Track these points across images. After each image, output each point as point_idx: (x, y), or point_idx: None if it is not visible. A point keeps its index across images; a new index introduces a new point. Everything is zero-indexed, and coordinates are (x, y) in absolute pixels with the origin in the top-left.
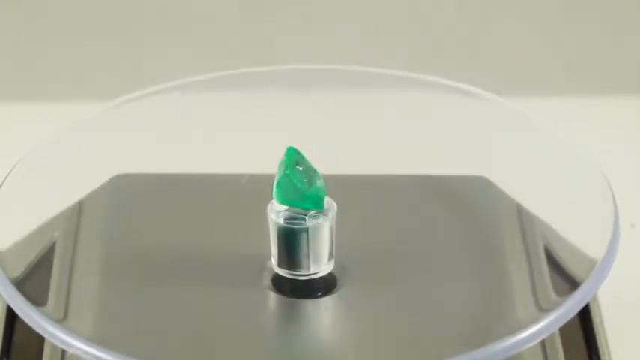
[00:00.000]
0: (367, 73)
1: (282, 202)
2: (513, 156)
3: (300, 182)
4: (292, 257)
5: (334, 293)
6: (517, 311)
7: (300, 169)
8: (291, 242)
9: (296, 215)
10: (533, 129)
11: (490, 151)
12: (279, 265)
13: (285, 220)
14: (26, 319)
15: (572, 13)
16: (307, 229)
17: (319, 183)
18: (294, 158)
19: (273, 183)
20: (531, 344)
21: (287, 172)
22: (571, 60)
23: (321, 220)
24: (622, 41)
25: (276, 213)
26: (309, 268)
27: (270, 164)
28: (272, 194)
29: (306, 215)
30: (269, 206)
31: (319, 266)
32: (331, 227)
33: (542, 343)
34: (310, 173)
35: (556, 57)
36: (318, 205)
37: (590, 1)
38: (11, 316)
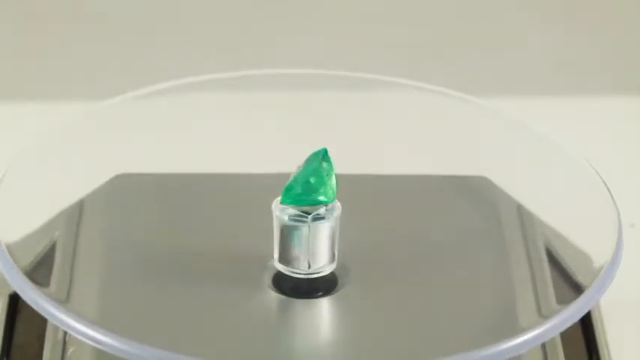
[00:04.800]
0: (369, 79)
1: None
2: (514, 156)
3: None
4: (295, 255)
5: (335, 293)
6: (518, 311)
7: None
8: (294, 240)
9: (300, 213)
10: (532, 132)
11: (491, 152)
12: (281, 263)
13: (289, 217)
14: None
15: (572, 13)
16: (311, 227)
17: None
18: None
19: (273, 183)
20: (531, 347)
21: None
22: (571, 60)
23: (324, 218)
24: (622, 41)
25: (281, 210)
26: (311, 267)
27: (270, 164)
28: (280, 192)
29: (310, 214)
30: (274, 203)
31: (321, 265)
32: (334, 227)
33: (543, 344)
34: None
35: (556, 57)
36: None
37: (590, 1)
38: (11, 316)
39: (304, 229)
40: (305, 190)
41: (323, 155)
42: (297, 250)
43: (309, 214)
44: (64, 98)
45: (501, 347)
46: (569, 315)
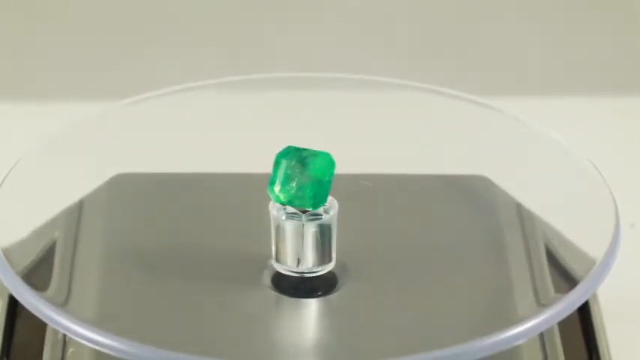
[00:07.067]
0: (368, 80)
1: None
2: (514, 156)
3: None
4: (293, 254)
5: (334, 292)
6: (517, 308)
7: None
8: (292, 239)
9: (297, 212)
10: (532, 132)
11: (491, 151)
12: (280, 262)
13: (286, 216)
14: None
15: (572, 13)
16: (308, 226)
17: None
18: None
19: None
20: (527, 338)
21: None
22: (571, 60)
23: (322, 218)
24: (622, 41)
25: (278, 210)
26: (309, 267)
27: (269, 164)
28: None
29: (308, 213)
30: (271, 203)
31: (320, 265)
32: (332, 225)
33: (542, 340)
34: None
35: (556, 57)
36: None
37: (590, 1)
38: (11, 316)
39: (302, 228)
40: (317, 189)
41: (294, 153)
42: (296, 250)
43: (306, 212)
44: (64, 98)
45: (500, 337)
46: (567, 304)
